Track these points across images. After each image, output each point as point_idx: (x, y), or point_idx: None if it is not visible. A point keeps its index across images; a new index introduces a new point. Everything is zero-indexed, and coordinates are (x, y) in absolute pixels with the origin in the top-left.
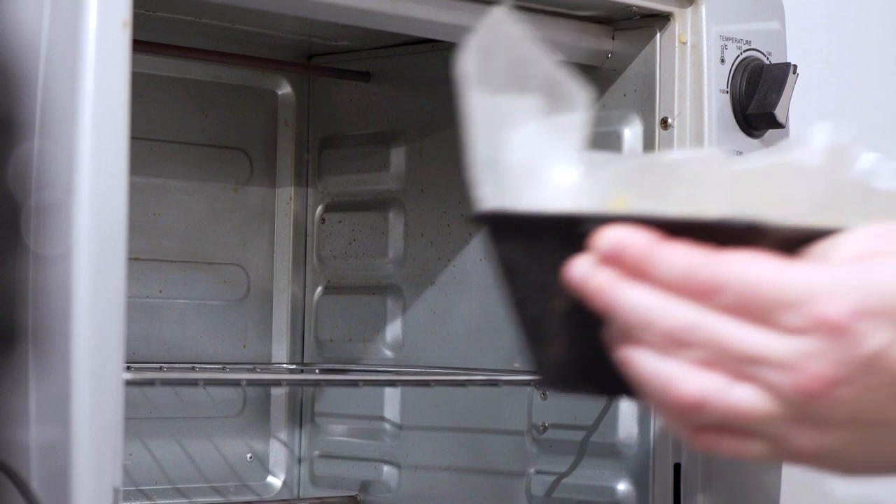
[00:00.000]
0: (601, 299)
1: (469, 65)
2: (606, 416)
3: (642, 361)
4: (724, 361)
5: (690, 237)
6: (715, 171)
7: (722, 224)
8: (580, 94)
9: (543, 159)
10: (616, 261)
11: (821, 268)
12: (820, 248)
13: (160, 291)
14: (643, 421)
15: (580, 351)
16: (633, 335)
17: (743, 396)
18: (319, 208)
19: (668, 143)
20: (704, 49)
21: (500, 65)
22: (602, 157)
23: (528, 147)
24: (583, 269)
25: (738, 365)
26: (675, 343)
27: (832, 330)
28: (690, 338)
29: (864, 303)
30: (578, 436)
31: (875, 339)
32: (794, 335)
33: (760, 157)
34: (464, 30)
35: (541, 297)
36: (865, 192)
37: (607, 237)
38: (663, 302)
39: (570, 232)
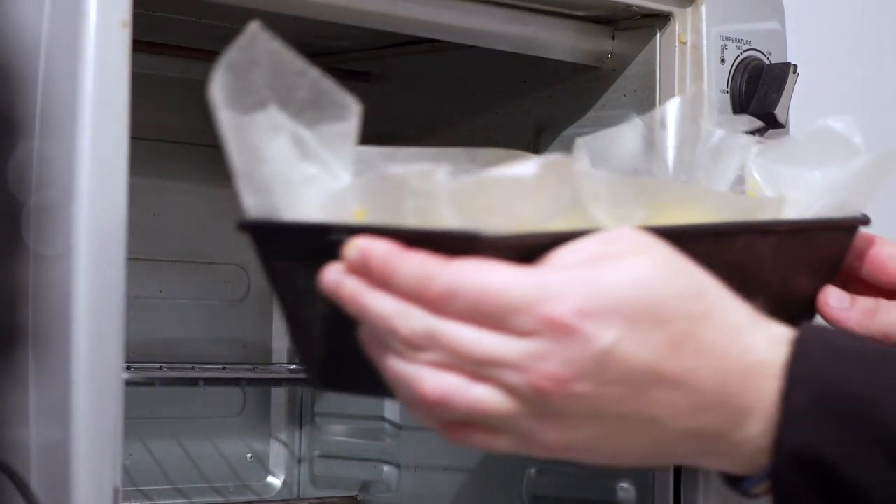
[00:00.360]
0: (351, 306)
1: (218, 84)
2: None
3: (390, 363)
4: (461, 364)
5: (426, 248)
6: (439, 185)
7: (446, 235)
8: (350, 102)
9: (294, 171)
10: (361, 269)
11: (549, 273)
12: (553, 254)
13: (160, 291)
14: None
15: (340, 352)
16: (380, 339)
17: (482, 395)
18: None
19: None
20: (704, 49)
21: (259, 80)
22: (363, 164)
23: (282, 159)
24: (333, 278)
25: (475, 367)
26: (415, 347)
27: (560, 330)
28: (428, 343)
29: (589, 303)
30: None
31: (603, 337)
32: (525, 337)
33: (481, 173)
34: (464, 29)
35: (303, 301)
36: (613, 197)
37: (353, 247)
38: (404, 309)
39: (321, 241)
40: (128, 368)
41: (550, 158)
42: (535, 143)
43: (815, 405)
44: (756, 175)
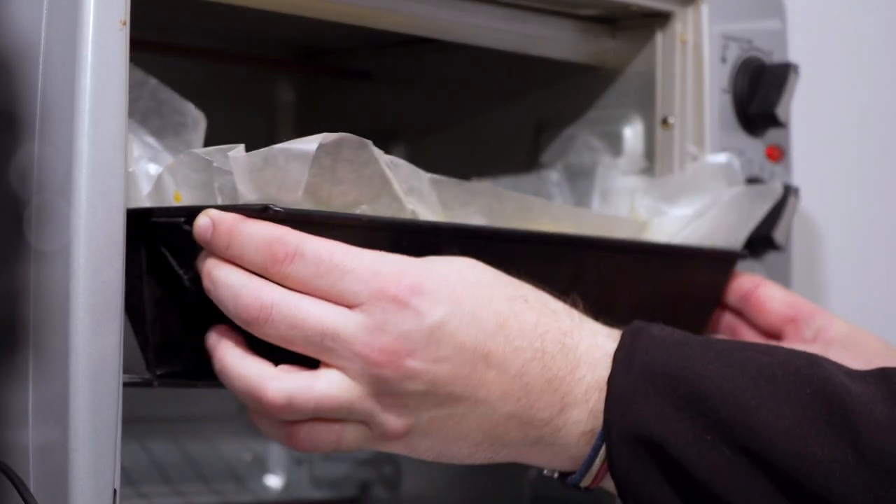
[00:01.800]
0: (205, 279)
1: None
2: None
3: (230, 359)
4: (302, 337)
5: None
6: (235, 162)
7: (240, 209)
8: (190, 109)
9: (132, 166)
10: (209, 238)
11: (387, 255)
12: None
13: None
14: None
15: (176, 339)
16: (224, 339)
17: (325, 385)
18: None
19: (669, 143)
20: (705, 48)
21: None
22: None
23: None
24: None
25: (316, 339)
26: (258, 319)
27: (393, 303)
28: (271, 314)
29: (422, 283)
30: None
31: (433, 313)
32: (361, 310)
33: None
34: (464, 29)
35: (136, 286)
36: (440, 198)
37: (201, 220)
38: (250, 281)
39: (147, 225)
40: (126, 370)
41: (339, 136)
42: (535, 142)
43: (641, 386)
44: (641, 213)
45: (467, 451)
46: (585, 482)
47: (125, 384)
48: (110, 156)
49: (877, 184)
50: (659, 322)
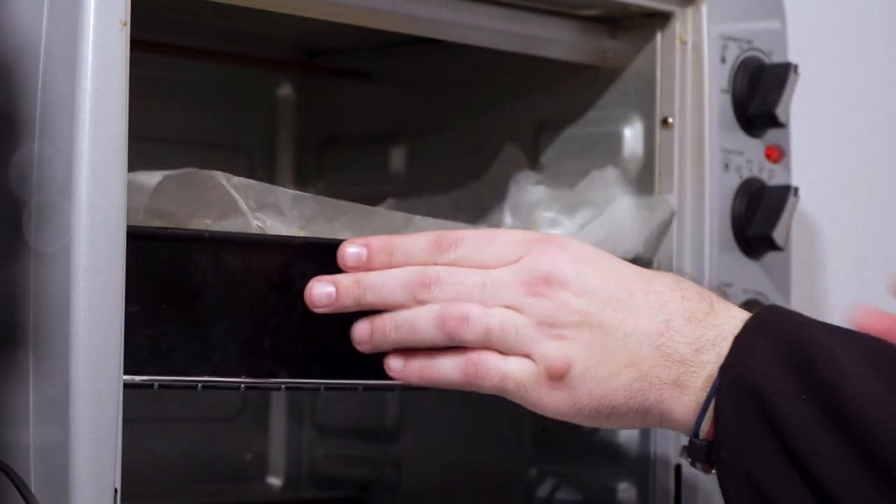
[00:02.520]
0: (356, 292)
1: None
2: None
3: (412, 315)
4: (467, 293)
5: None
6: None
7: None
8: None
9: None
10: (370, 259)
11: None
12: None
13: None
14: None
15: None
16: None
17: (495, 313)
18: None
19: (669, 143)
20: (705, 49)
21: None
22: None
23: None
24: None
25: (477, 290)
26: (431, 286)
27: (543, 246)
28: (442, 280)
29: (567, 238)
30: (579, 436)
31: (581, 252)
32: (518, 263)
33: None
34: (464, 29)
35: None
36: (301, 212)
37: (350, 249)
38: (421, 268)
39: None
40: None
41: (187, 171)
42: (535, 142)
43: (760, 344)
44: (542, 224)
45: (623, 393)
46: (704, 429)
47: (125, 384)
48: (111, 156)
49: (876, 184)
50: None
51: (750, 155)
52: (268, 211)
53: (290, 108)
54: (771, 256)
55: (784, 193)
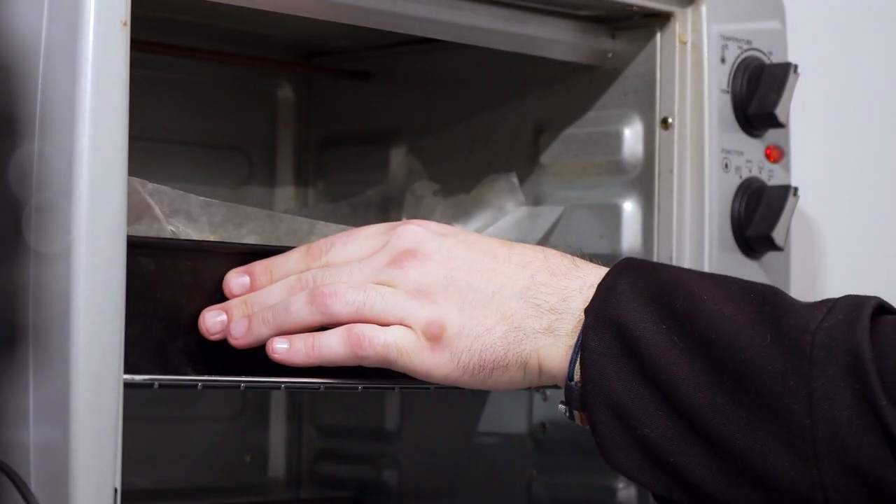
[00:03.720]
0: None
1: None
2: None
3: (281, 302)
4: (339, 278)
5: None
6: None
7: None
8: None
9: None
10: (254, 284)
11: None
12: None
13: None
14: None
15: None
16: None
17: (362, 287)
18: (320, 207)
19: (669, 143)
20: (705, 49)
21: None
22: None
23: None
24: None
25: (350, 276)
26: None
27: (405, 227)
28: (316, 279)
29: (427, 222)
30: (579, 436)
31: (442, 228)
32: (385, 246)
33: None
34: (464, 29)
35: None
36: (210, 218)
37: (234, 279)
38: (290, 276)
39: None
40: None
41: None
42: (536, 143)
43: (622, 285)
44: None
45: (501, 344)
46: (576, 376)
47: (125, 384)
48: (111, 156)
49: (876, 184)
50: None
51: (750, 155)
52: (180, 217)
53: (290, 108)
54: (770, 256)
55: (784, 193)
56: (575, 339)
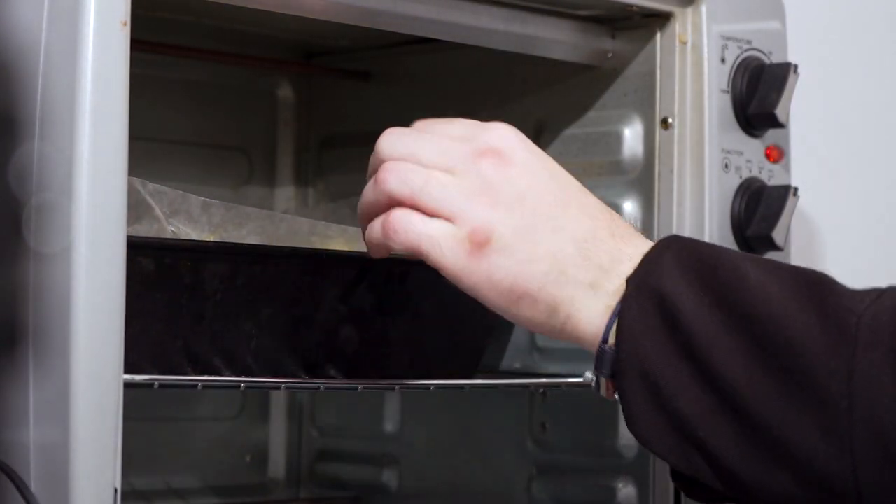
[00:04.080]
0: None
1: None
2: (607, 417)
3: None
4: (416, 156)
5: None
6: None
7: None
8: None
9: None
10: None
11: None
12: None
13: None
14: None
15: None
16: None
17: (424, 170)
18: (320, 208)
19: (669, 143)
20: (705, 49)
21: None
22: None
23: None
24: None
25: (424, 155)
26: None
27: (486, 124)
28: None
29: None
30: (579, 436)
31: (529, 144)
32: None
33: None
34: (464, 29)
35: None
36: (209, 219)
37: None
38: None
39: None
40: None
41: None
42: (535, 142)
43: (667, 258)
44: None
45: (539, 279)
46: (611, 339)
47: (125, 384)
48: (111, 156)
49: (876, 184)
50: (432, 330)
51: (750, 155)
52: (180, 217)
53: (290, 108)
54: (770, 256)
55: (784, 193)
56: (615, 302)
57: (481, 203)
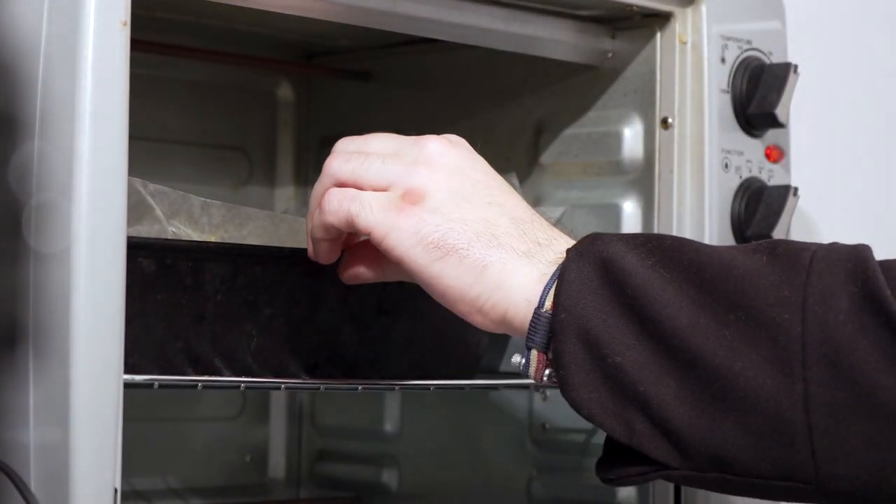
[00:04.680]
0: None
1: None
2: None
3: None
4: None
5: None
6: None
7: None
8: None
9: None
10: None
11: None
12: None
13: None
14: None
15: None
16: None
17: (375, 156)
18: None
19: (669, 143)
20: (705, 49)
21: None
22: None
23: None
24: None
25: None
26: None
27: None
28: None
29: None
30: (579, 437)
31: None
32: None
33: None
34: (464, 29)
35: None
36: (210, 218)
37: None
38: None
39: None
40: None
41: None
42: (536, 143)
43: (609, 234)
44: None
45: (468, 238)
46: (547, 303)
47: (125, 384)
48: (111, 156)
49: (876, 184)
50: (432, 330)
51: (750, 155)
52: (181, 217)
53: (290, 108)
54: None
55: (784, 193)
56: (552, 271)
57: (419, 169)
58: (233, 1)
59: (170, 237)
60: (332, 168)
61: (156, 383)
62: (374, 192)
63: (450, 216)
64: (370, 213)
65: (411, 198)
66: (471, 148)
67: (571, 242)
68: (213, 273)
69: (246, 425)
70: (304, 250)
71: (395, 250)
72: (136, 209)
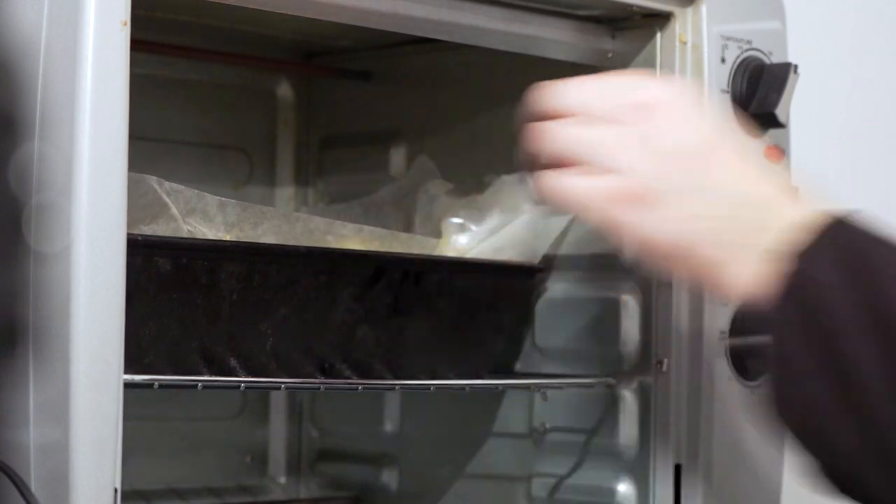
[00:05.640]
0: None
1: None
2: (607, 418)
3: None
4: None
5: None
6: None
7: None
8: None
9: None
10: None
11: None
12: None
13: None
14: (643, 422)
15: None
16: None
17: (598, 133)
18: (319, 208)
19: None
20: (705, 49)
21: None
22: None
23: None
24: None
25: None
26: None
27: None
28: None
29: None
30: (579, 437)
31: (683, 90)
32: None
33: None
34: (464, 29)
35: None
36: (224, 217)
37: None
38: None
39: None
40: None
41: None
42: None
43: (820, 248)
44: (449, 230)
45: (692, 238)
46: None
47: (125, 384)
48: (111, 156)
49: (876, 184)
50: (462, 331)
51: None
52: (196, 216)
53: (290, 108)
54: None
55: None
56: (781, 241)
57: (640, 160)
58: (233, 1)
59: (185, 236)
60: (553, 143)
61: (156, 383)
62: (594, 183)
63: (671, 215)
64: (591, 209)
65: (634, 194)
66: (697, 100)
67: (788, 227)
68: (229, 272)
69: (246, 425)
70: (320, 249)
71: (637, 241)
72: (152, 207)
